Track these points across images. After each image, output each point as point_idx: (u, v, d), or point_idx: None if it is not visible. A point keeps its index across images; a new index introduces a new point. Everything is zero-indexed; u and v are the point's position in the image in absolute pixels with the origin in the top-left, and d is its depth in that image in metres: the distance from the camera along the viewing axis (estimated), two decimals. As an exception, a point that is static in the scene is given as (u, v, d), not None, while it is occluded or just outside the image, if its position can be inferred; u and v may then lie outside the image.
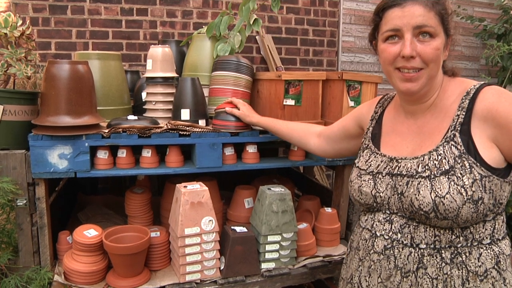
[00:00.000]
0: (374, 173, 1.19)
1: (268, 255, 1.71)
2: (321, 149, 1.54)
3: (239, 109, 1.73)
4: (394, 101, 1.29)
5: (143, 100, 1.94)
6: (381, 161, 1.19)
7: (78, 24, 2.86)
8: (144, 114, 1.87)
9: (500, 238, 1.08)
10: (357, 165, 1.27)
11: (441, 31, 1.06)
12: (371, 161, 1.22)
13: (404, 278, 1.10)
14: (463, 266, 1.05)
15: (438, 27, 1.05)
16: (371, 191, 1.17)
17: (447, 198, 1.00)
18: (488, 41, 3.65)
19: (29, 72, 1.63)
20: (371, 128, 1.30)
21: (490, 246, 1.06)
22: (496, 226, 1.07)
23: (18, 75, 1.61)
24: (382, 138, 1.25)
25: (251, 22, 2.00)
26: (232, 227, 1.70)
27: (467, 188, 1.00)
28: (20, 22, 1.68)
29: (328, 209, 1.95)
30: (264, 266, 1.71)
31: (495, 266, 1.05)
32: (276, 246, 1.71)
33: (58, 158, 1.52)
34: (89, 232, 1.58)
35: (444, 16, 1.06)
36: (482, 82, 1.09)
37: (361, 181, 1.21)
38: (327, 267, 1.80)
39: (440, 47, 1.05)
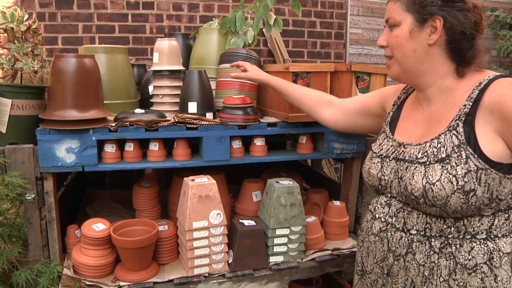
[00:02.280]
0: (383, 156, 1.23)
1: (276, 249, 1.70)
2: (333, 120, 1.53)
3: (246, 71, 1.67)
4: None
5: (150, 94, 1.93)
6: (391, 146, 1.22)
7: (84, 18, 2.86)
8: (151, 108, 1.86)
9: (500, 235, 1.06)
10: (372, 148, 1.31)
11: (407, 18, 1.10)
12: (383, 145, 1.26)
13: (396, 261, 1.14)
14: (452, 257, 1.05)
15: (401, 15, 1.11)
16: (377, 174, 1.22)
17: (436, 185, 1.02)
18: (501, 31, 3.58)
19: (36, 67, 1.63)
20: (391, 113, 1.32)
21: (484, 242, 1.05)
22: (496, 222, 1.05)
23: (25, 69, 1.61)
24: (399, 123, 1.27)
25: (271, 22, 1.98)
26: (240, 221, 1.70)
27: (459, 178, 0.99)
28: (26, 16, 1.68)
29: (337, 202, 1.93)
30: (272, 259, 1.70)
31: (487, 262, 1.04)
32: (285, 240, 1.70)
33: (65, 152, 1.52)
34: (97, 226, 1.58)
35: (413, 3, 1.09)
36: (499, 74, 1.07)
37: (371, 164, 1.26)
38: (336, 260, 1.79)
39: (399, 34, 1.11)
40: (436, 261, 1.07)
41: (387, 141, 1.25)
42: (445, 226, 1.06)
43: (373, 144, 1.32)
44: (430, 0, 1.07)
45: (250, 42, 2.02)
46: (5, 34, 1.68)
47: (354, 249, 1.81)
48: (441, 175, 1.01)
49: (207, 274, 1.60)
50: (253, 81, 1.67)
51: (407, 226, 1.12)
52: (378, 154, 1.25)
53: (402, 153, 1.16)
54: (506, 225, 1.06)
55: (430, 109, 1.16)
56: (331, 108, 1.54)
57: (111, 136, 1.57)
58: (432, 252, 1.07)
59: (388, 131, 1.28)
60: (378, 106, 1.41)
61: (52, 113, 1.51)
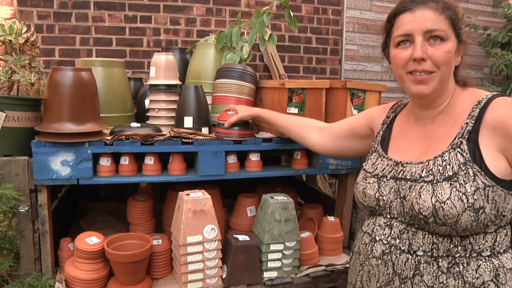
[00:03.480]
0: (379, 176, 1.20)
1: (270, 264, 1.70)
2: (321, 144, 1.53)
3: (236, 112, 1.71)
4: (407, 107, 1.31)
5: (146, 108, 1.94)
6: (387, 165, 1.20)
7: (82, 31, 2.87)
8: (147, 122, 1.87)
9: (502, 251, 1.07)
10: (364, 167, 1.28)
11: (452, 35, 1.08)
12: (378, 164, 1.23)
13: (402, 284, 1.10)
14: (460, 276, 1.04)
15: (449, 31, 1.07)
16: (375, 194, 1.18)
17: (447, 203, 1.00)
18: (492, 49, 3.65)
19: (33, 79, 1.63)
20: (381, 132, 1.31)
21: (489, 259, 1.05)
22: (498, 238, 1.06)
23: (22, 81, 1.62)
24: (391, 142, 1.26)
25: (266, 38, 2.01)
26: (235, 236, 1.69)
27: (468, 195, 0.99)
28: (24, 29, 1.69)
29: (331, 218, 1.94)
30: (266, 275, 1.70)
31: (494, 279, 1.04)
32: (279, 255, 1.69)
33: (60, 165, 1.52)
34: (91, 240, 1.57)
35: (455, 21, 1.08)
36: (495, 93, 1.09)
37: (365, 184, 1.22)
38: (330, 276, 1.78)
39: (452, 51, 1.07)
40: (445, 282, 1.05)
41: (381, 160, 1.23)
42: (452, 246, 1.05)
43: (364, 164, 1.30)
44: (462, 24, 1.10)
45: (245, 57, 2.04)
46: (3, 46, 1.68)
47: (348, 265, 1.81)
48: (451, 193, 1.01)
49: (200, 290, 1.59)
50: (244, 118, 1.69)
51: (412, 247, 1.09)
52: (373, 174, 1.22)
53: (402, 172, 1.14)
54: (506, 240, 1.08)
55: (429, 127, 1.16)
56: (319, 133, 1.54)
57: (107, 150, 1.58)
58: (440, 273, 1.05)
59: (381, 150, 1.26)
60: (365, 127, 1.40)
61: (48, 125, 1.51)
